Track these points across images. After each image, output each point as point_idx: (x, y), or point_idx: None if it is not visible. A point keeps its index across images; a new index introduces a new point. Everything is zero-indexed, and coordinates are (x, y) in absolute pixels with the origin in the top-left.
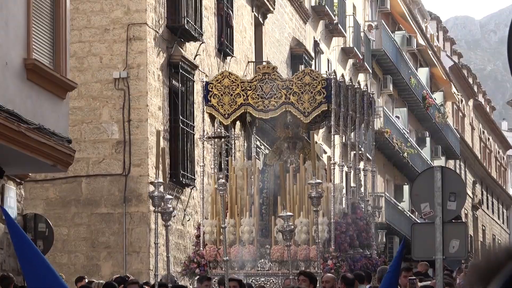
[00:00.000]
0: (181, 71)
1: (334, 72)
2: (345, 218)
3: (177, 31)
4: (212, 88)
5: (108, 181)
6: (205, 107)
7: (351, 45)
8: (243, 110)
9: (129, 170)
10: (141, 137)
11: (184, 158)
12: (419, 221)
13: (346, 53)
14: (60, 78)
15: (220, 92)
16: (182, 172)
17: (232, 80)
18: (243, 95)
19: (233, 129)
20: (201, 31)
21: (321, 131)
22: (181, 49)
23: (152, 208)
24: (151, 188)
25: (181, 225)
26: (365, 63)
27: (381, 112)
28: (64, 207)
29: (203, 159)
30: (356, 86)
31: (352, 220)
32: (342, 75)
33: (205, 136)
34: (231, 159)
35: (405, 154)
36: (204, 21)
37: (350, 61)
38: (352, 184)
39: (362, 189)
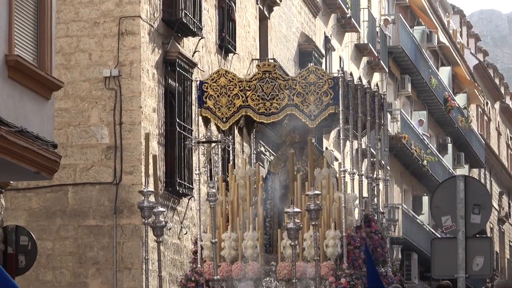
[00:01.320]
0: (178, 69)
1: (342, 69)
2: (358, 232)
3: (174, 25)
4: (207, 88)
5: (97, 190)
6: (200, 109)
7: (366, 42)
8: (242, 113)
9: (121, 178)
10: (133, 141)
11: (181, 165)
12: (439, 236)
13: (360, 50)
14: (44, 77)
15: (216, 93)
16: (178, 180)
17: (229, 79)
18: (242, 96)
19: (231, 133)
20: (201, 25)
21: (332, 135)
22: (178, 45)
23: (145, 220)
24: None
25: (177, 239)
26: (381, 61)
27: (398, 116)
28: (49, 219)
29: (198, 165)
30: (366, 86)
31: (367, 234)
32: (351, 74)
33: (194, 141)
34: (231, 167)
35: (425, 162)
36: (204, 14)
37: (365, 59)
38: (365, 194)
39: (376, 199)
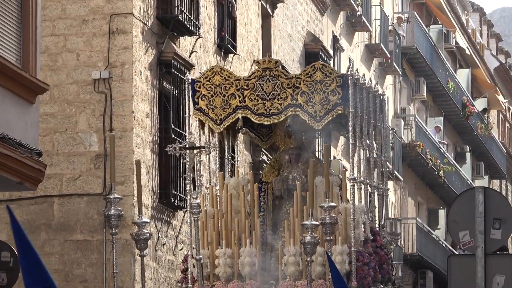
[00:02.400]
0: (173, 71)
1: (352, 66)
2: (365, 247)
3: (169, 23)
4: (200, 88)
5: (85, 202)
6: (192, 111)
7: (377, 42)
8: (239, 115)
9: (110, 189)
10: (125, 149)
11: (177, 175)
12: (457, 253)
13: (371, 50)
14: (28, 79)
15: (210, 93)
16: (173, 191)
17: (225, 78)
18: (239, 96)
19: (225, 137)
20: (198, 23)
21: (340, 143)
22: (173, 45)
23: None
24: (136, 210)
25: (172, 256)
26: (394, 63)
27: (412, 122)
28: (33, 233)
29: (188, 173)
30: (369, 85)
31: (373, 249)
32: (357, 71)
33: (173, 147)
34: (221, 176)
35: (441, 173)
36: (202, 11)
37: (376, 61)
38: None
39: (377, 211)
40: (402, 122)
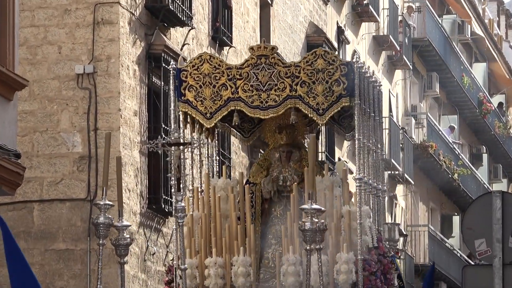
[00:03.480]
0: (164, 65)
1: (355, 53)
2: (370, 254)
3: (159, 13)
4: (186, 77)
5: (68, 208)
6: (178, 104)
7: (386, 33)
8: (232, 107)
9: (96, 193)
10: (111, 150)
11: (168, 179)
12: (472, 263)
13: (379, 43)
14: (5, 73)
15: (198, 83)
16: (164, 196)
17: (215, 66)
18: (231, 87)
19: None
20: (191, 13)
21: (346, 143)
22: (164, 37)
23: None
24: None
25: (162, 266)
26: (404, 56)
27: (424, 121)
28: None
29: (174, 173)
30: (368, 74)
31: (377, 257)
32: (359, 57)
33: (154, 143)
34: (206, 176)
35: (455, 176)
36: (195, 0)
37: (384, 54)
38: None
39: (377, 215)
40: (413, 121)
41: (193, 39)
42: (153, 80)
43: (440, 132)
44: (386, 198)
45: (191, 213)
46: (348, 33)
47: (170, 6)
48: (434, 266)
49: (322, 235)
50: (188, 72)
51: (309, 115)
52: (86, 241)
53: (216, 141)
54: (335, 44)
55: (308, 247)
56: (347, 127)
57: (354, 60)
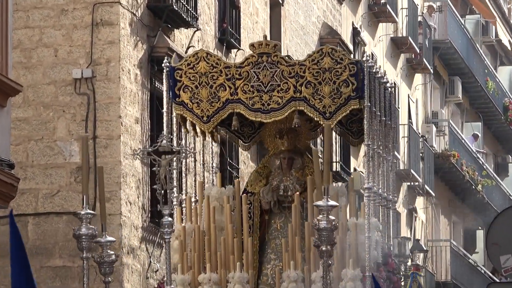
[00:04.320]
0: (167, 69)
1: (370, 56)
2: (378, 271)
3: (163, 14)
4: (181, 77)
5: (65, 222)
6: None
7: (405, 34)
8: (231, 110)
9: (94, 206)
10: (111, 160)
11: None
12: (497, 280)
13: (397, 45)
14: None
15: (194, 83)
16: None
17: (212, 65)
18: (230, 87)
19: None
20: (196, 13)
21: (362, 153)
22: (167, 39)
23: (126, 260)
24: (125, 231)
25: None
26: (424, 59)
27: (445, 128)
28: (3, 258)
29: (161, 185)
30: (379, 74)
31: (386, 274)
32: (369, 56)
33: (140, 151)
34: (200, 184)
35: (479, 187)
36: (200, 0)
37: (403, 57)
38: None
39: (386, 228)
40: (434, 129)
41: (198, 41)
42: (156, 85)
43: (463, 141)
44: (406, 210)
45: (183, 224)
46: (364, 35)
47: (174, 6)
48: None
49: (331, 250)
50: (183, 71)
51: (315, 118)
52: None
53: (223, 149)
54: (350, 47)
55: (324, 248)
56: (355, 132)
57: (364, 58)
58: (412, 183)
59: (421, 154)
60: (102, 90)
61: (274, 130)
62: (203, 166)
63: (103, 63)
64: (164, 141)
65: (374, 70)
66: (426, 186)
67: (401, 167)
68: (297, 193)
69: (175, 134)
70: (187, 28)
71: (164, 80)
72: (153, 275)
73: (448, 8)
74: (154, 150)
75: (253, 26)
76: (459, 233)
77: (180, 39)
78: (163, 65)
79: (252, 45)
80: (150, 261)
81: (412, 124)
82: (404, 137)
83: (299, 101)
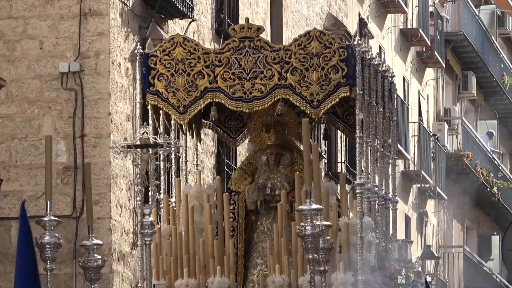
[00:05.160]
0: (140, 56)
1: (356, 33)
2: (373, 275)
3: (156, 3)
4: (156, 64)
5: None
6: (146, 95)
7: (415, 26)
8: (209, 100)
9: (82, 209)
10: (100, 160)
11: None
12: None
13: (407, 37)
14: None
15: (169, 71)
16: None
17: (189, 51)
18: (209, 75)
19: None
20: (191, 3)
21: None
22: (161, 30)
23: (116, 267)
24: (115, 236)
25: None
26: (436, 52)
27: (458, 126)
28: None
29: (141, 182)
30: (376, 61)
31: (382, 280)
32: (363, 41)
33: (119, 144)
34: (178, 182)
35: (495, 189)
36: None
37: (413, 50)
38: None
39: (385, 228)
40: (446, 127)
41: (194, 33)
42: None
43: (477, 140)
44: (416, 214)
45: (159, 226)
46: (372, 26)
47: None
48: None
49: (327, 253)
50: (158, 58)
51: (301, 107)
52: (72, 264)
53: (219, 149)
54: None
55: (310, 257)
56: (352, 125)
57: (355, 42)
58: (422, 185)
59: (432, 154)
60: (90, 85)
61: (260, 123)
62: (197, 166)
63: (91, 56)
64: (146, 133)
65: (369, 56)
66: (437, 189)
67: (411, 168)
68: (284, 191)
69: (161, 128)
70: (181, 19)
71: (137, 68)
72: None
73: None
74: (134, 144)
75: (253, 17)
76: (473, 238)
77: (174, 30)
78: (136, 51)
79: (232, 29)
80: (103, 260)
81: (422, 122)
82: (414, 136)
83: (284, 88)
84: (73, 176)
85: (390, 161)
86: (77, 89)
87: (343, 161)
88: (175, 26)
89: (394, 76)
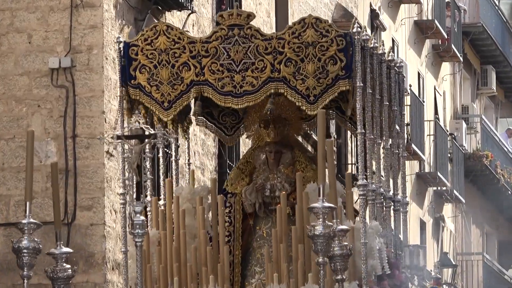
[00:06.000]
0: (120, 45)
1: (357, 22)
2: (380, 284)
3: None
4: (137, 54)
5: (41, 234)
6: (124, 89)
7: (430, 17)
8: (196, 94)
9: (74, 215)
10: (93, 162)
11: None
12: None
13: (422, 29)
14: None
15: (152, 62)
16: None
17: (174, 40)
18: (195, 66)
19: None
20: None
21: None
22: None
23: (111, 277)
24: (109, 244)
25: None
26: (453, 45)
27: (477, 125)
28: None
29: (131, 176)
30: (380, 50)
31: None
32: (365, 28)
33: (108, 134)
34: (169, 182)
35: None
36: None
37: (429, 43)
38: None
39: (394, 233)
40: (464, 125)
41: (193, 25)
42: None
43: (496, 139)
44: (432, 219)
45: (147, 230)
46: (384, 18)
47: None
48: None
49: (345, 260)
50: (139, 47)
51: (297, 103)
52: None
53: (221, 150)
54: (368, 31)
55: (320, 259)
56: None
57: (355, 29)
58: (439, 188)
59: (449, 155)
60: (83, 81)
61: (258, 118)
62: (189, 165)
63: (84, 51)
64: (137, 123)
65: (371, 45)
66: (455, 192)
67: (427, 169)
68: (284, 192)
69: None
70: (180, 11)
71: (116, 59)
72: None
73: None
74: (123, 134)
75: (256, 8)
76: (493, 245)
77: (172, 23)
78: (115, 41)
79: (220, 16)
80: (74, 270)
81: (439, 120)
82: (429, 135)
83: (277, 82)
84: (64, 180)
85: (400, 159)
86: (68, 86)
87: (353, 162)
88: (173, 18)
89: (402, 66)
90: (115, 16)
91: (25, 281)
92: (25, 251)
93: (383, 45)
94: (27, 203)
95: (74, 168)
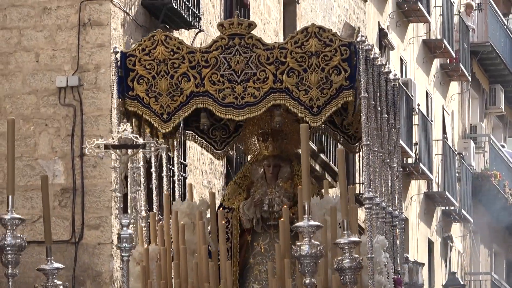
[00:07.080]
0: (117, 55)
1: (358, 29)
2: None
3: (160, 13)
4: (135, 65)
5: None
6: (122, 101)
7: (439, 37)
8: (194, 106)
9: (82, 234)
10: (100, 181)
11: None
12: None
13: (430, 48)
14: None
15: (150, 73)
16: None
17: (173, 50)
18: (195, 77)
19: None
20: (199, 12)
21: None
22: None
23: None
24: (117, 263)
25: None
26: (461, 65)
27: (485, 144)
28: None
29: (119, 188)
30: (379, 61)
31: None
32: (367, 38)
33: (95, 144)
34: (167, 197)
35: None
36: None
37: (437, 62)
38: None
39: (393, 249)
40: (472, 144)
41: (201, 44)
42: None
43: (505, 158)
44: (440, 239)
45: (145, 246)
46: (393, 37)
47: (173, 4)
48: None
49: (354, 273)
50: (137, 58)
51: (300, 115)
52: None
53: (229, 168)
54: (376, 50)
55: (307, 280)
56: (352, 136)
57: (358, 38)
58: (447, 208)
59: (457, 174)
60: (90, 100)
61: (256, 131)
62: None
63: (91, 70)
64: (125, 132)
65: (372, 56)
66: (463, 211)
67: (435, 189)
68: (285, 206)
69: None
70: (188, 29)
71: (113, 70)
72: None
73: (488, 6)
74: (111, 144)
75: (264, 27)
76: (502, 265)
77: None
78: (112, 51)
79: (221, 25)
80: (65, 285)
81: (447, 140)
82: (438, 154)
83: (279, 93)
84: (71, 199)
85: (395, 173)
86: (75, 105)
87: (361, 181)
88: (181, 37)
89: (398, 79)
90: (123, 34)
91: (10, 279)
92: (9, 248)
93: (389, 63)
94: (10, 197)
95: (82, 187)
